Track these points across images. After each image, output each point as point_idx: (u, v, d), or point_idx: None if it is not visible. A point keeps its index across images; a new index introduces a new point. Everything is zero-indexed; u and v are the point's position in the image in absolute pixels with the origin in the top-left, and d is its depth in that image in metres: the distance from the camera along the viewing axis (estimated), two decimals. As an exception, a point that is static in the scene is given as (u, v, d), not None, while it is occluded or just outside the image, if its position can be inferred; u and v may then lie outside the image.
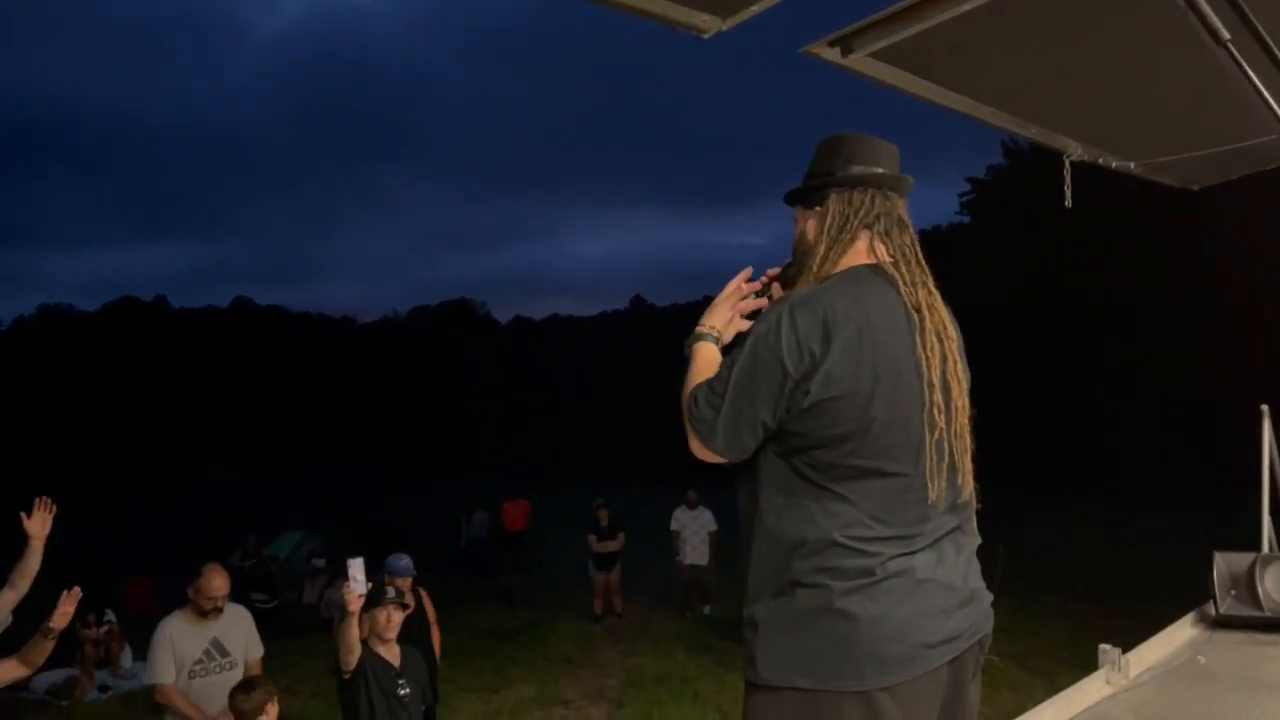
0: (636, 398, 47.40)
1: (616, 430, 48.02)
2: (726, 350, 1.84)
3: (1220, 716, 2.97)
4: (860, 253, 1.77)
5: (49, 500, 4.19)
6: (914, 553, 1.66)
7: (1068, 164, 3.04)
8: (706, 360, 1.83)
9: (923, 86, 2.38)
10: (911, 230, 1.82)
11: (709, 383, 1.73)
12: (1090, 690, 3.20)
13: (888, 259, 1.76)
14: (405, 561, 6.26)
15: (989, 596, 1.82)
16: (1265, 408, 4.13)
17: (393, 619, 4.66)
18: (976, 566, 1.81)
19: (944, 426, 1.68)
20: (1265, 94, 2.15)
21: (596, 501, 12.82)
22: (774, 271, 1.98)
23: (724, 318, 1.93)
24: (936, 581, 1.67)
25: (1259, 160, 3.26)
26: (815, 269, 1.77)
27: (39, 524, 4.13)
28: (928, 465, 1.66)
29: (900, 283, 1.73)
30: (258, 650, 4.89)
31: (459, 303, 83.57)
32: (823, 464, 1.65)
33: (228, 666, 4.68)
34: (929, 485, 1.66)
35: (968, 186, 40.91)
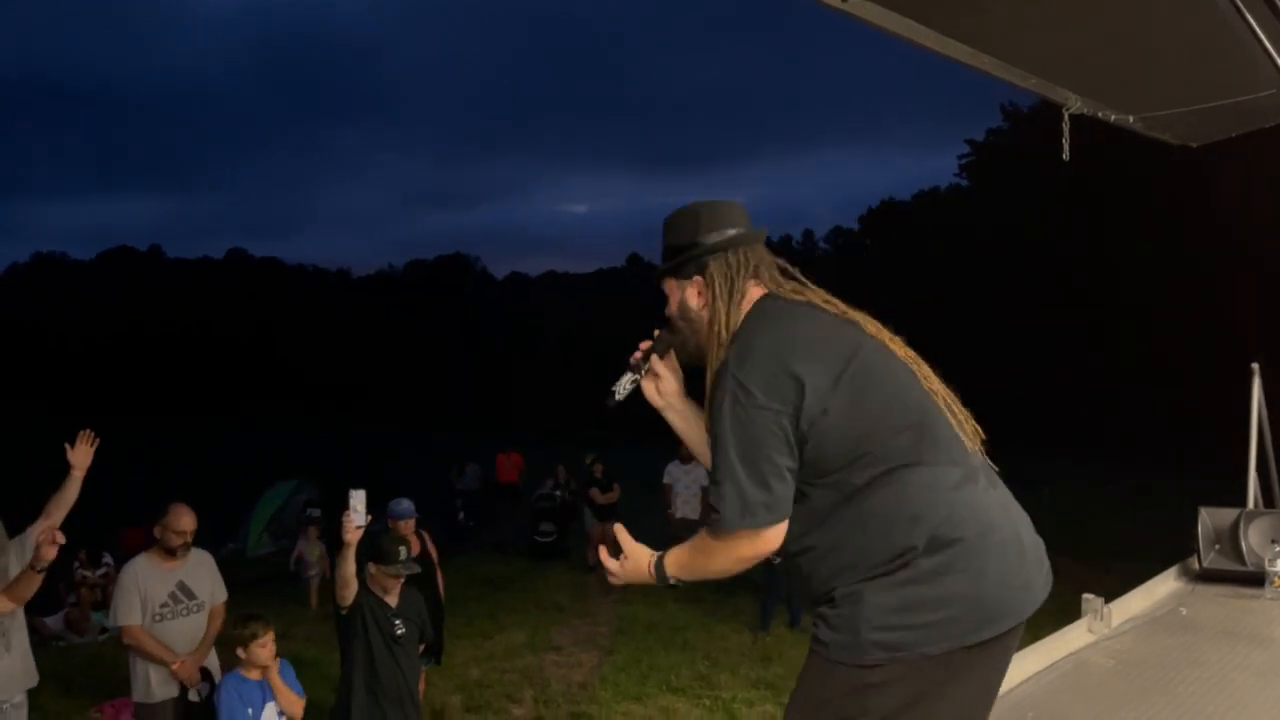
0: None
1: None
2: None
3: (1199, 665, 3.03)
4: (754, 298, 1.83)
5: (91, 433, 4.26)
6: (980, 506, 1.68)
7: (1066, 117, 3.01)
8: (683, 559, 1.86)
9: (921, 33, 2.34)
10: (794, 270, 1.89)
11: (711, 486, 1.71)
12: (1072, 638, 3.26)
13: (784, 291, 1.85)
14: (407, 505, 6.22)
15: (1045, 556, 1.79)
16: (1255, 365, 4.16)
17: (399, 583, 4.58)
18: (1026, 518, 1.79)
19: (930, 383, 1.78)
20: (1269, 46, 2.14)
21: (589, 457, 12.91)
22: (645, 345, 1.99)
23: (645, 554, 1.98)
24: (1009, 540, 1.69)
25: (1260, 116, 3.23)
26: (722, 331, 1.79)
27: (82, 455, 4.22)
28: (940, 409, 1.74)
29: (814, 301, 1.82)
30: (222, 594, 4.83)
31: (455, 257, 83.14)
32: (864, 474, 1.67)
33: (195, 609, 4.65)
34: (959, 434, 1.74)
35: (967, 149, 40.64)
